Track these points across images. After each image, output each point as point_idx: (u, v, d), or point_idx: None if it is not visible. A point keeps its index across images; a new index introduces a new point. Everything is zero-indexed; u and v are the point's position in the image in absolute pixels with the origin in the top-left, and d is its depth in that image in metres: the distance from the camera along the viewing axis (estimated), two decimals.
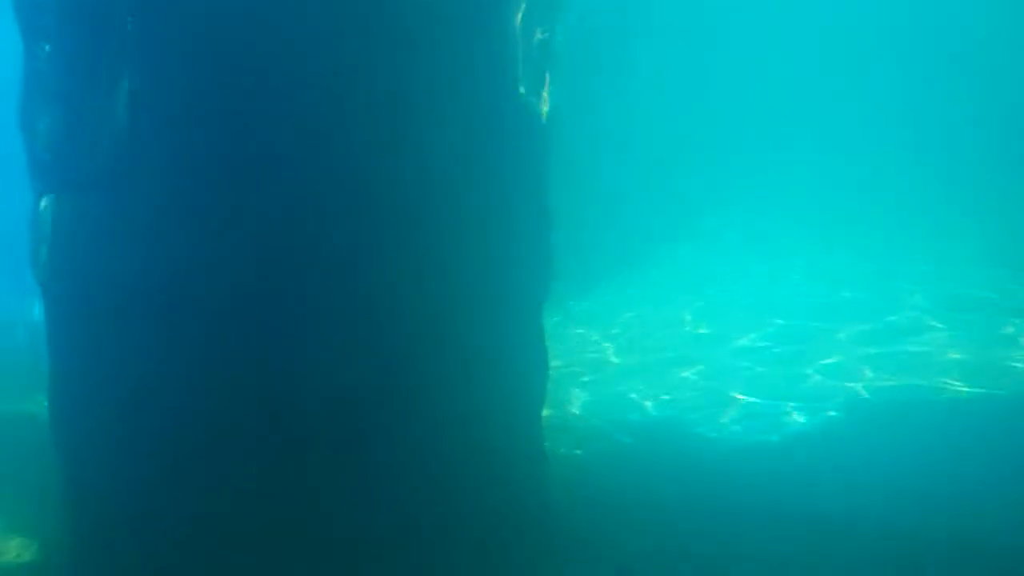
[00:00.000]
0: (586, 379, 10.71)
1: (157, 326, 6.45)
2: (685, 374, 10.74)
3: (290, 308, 6.40)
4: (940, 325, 11.62)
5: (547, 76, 7.86)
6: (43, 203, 6.76)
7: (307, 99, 6.28)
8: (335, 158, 6.34)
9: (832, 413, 9.52)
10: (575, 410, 9.84)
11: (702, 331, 12.10)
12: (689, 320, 12.42)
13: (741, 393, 10.12)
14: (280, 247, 6.36)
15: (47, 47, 6.69)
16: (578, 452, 8.82)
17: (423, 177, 6.56)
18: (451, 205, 6.72)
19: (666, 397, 10.18)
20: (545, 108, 7.84)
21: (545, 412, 8.09)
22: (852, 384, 10.15)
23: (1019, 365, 10.32)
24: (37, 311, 7.01)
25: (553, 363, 8.82)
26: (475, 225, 6.88)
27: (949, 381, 9.93)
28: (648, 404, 10.03)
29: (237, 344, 6.40)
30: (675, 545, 7.06)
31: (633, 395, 10.27)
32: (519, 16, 7.21)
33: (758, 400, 9.91)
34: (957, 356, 10.61)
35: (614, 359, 11.35)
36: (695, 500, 7.76)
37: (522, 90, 7.28)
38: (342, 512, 6.56)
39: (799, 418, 9.39)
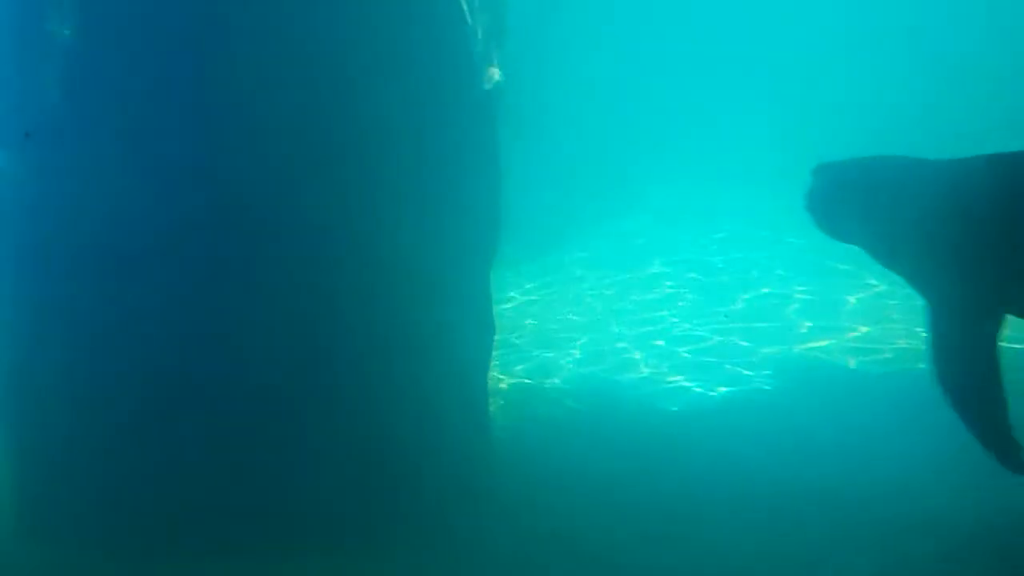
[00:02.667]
0: (535, 343, 10.68)
1: (92, 283, 6.40)
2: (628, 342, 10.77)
3: (223, 273, 6.33)
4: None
5: (498, 44, 7.85)
6: None
7: (246, 64, 6.19)
8: (269, 121, 6.26)
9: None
10: (520, 375, 9.84)
11: (649, 298, 12.15)
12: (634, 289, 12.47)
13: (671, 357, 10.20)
14: (213, 212, 6.27)
15: None
16: (520, 418, 8.83)
17: (364, 145, 6.50)
18: (394, 173, 6.68)
19: (607, 361, 10.17)
20: (496, 76, 7.82)
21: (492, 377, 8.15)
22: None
23: None
24: None
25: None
26: (418, 192, 6.84)
27: None
28: (593, 369, 10.03)
29: (172, 303, 6.35)
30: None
31: (577, 360, 10.26)
32: None
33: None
34: None
35: (554, 325, 11.35)
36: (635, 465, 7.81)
37: (472, 58, 7.25)
38: (276, 484, 6.51)
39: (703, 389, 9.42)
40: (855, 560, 6.34)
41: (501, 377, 9.53)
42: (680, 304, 11.70)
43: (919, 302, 6.39)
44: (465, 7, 7.04)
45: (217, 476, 6.47)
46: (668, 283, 12.45)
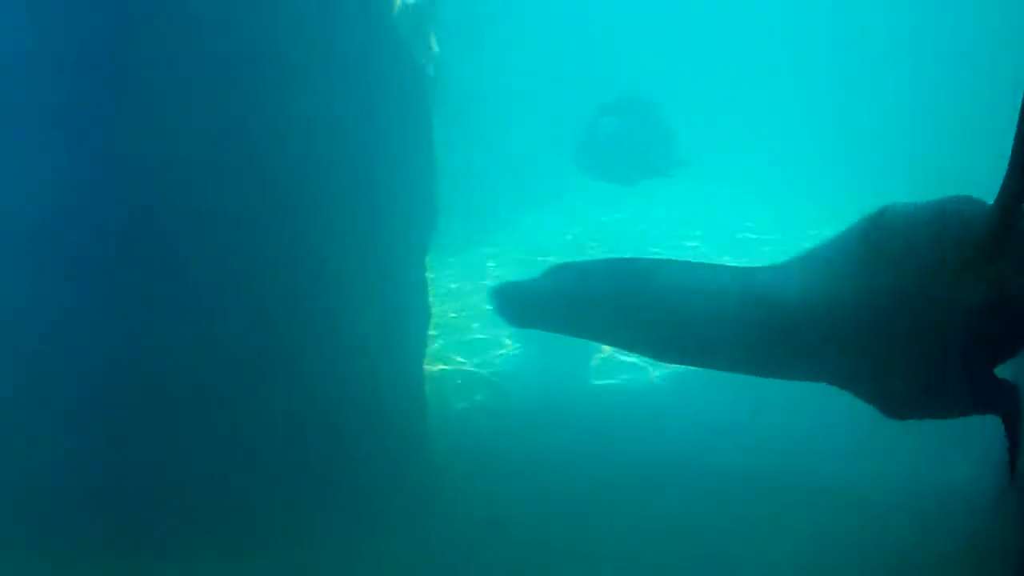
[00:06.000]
0: (472, 329, 10.72)
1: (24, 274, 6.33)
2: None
3: (158, 258, 6.32)
4: None
5: (431, 30, 7.93)
6: None
7: (175, 57, 6.19)
8: (201, 112, 6.25)
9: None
10: (459, 359, 9.88)
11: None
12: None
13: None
14: (149, 199, 6.26)
15: None
16: (461, 403, 8.90)
17: (302, 135, 6.53)
18: (329, 158, 6.71)
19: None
20: (431, 58, 7.88)
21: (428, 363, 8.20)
22: None
23: None
24: None
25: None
26: (353, 174, 6.88)
27: None
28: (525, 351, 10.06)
29: (106, 292, 6.31)
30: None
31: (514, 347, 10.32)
32: None
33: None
34: None
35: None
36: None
37: (403, 43, 7.32)
38: (210, 463, 6.49)
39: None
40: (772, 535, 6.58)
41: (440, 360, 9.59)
42: None
43: None
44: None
45: (151, 474, 6.45)
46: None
